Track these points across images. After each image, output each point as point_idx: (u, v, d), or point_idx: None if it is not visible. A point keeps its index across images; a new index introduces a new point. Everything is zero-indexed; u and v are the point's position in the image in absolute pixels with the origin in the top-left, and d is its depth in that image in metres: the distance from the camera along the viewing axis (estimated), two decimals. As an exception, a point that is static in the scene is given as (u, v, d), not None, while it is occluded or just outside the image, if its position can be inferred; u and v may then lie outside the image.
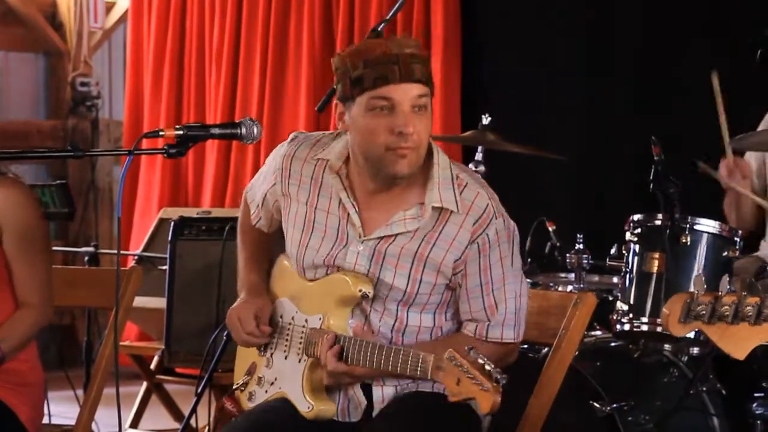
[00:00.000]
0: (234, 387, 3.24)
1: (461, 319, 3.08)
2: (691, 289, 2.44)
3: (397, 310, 3.04)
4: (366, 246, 3.02)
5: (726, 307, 2.39)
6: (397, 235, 3.01)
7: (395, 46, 2.95)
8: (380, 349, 2.92)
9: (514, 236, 3.06)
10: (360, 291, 3.00)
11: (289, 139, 3.17)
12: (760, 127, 4.37)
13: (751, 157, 4.43)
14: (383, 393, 3.05)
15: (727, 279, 2.46)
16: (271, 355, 3.17)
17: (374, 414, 3.04)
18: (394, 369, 2.90)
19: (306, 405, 3.04)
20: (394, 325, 3.04)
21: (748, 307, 2.37)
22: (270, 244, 3.32)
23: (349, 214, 3.04)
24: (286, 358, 3.13)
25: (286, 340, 3.14)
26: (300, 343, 3.09)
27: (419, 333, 3.06)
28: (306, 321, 3.10)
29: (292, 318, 3.14)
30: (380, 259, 3.01)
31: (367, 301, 3.02)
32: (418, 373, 2.85)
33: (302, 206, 3.10)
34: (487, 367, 2.72)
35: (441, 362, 2.80)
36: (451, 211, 2.99)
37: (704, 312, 2.40)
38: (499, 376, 2.71)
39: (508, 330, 3.05)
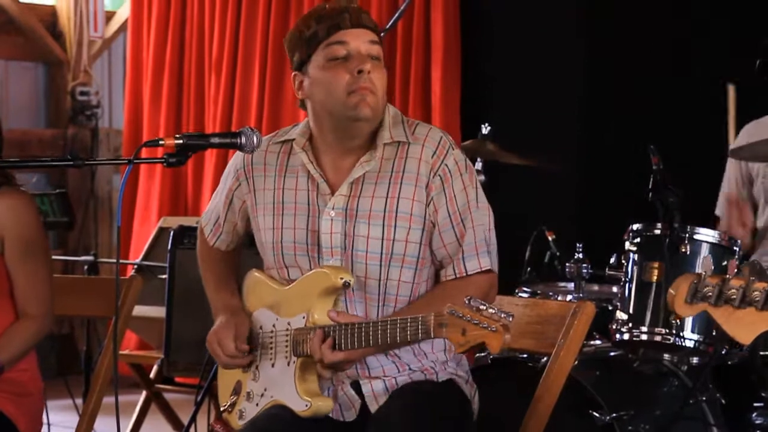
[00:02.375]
0: (221, 409, 3.23)
1: (437, 259, 3.10)
2: (699, 270, 2.42)
3: (380, 266, 3.05)
4: (337, 209, 3.06)
5: (733, 290, 2.37)
6: (362, 181, 3.05)
7: (342, 3, 3.06)
8: (374, 326, 2.92)
9: (473, 169, 3.12)
10: (341, 279, 3.01)
11: None
12: (740, 139, 4.39)
13: (732, 165, 4.46)
14: (373, 388, 3.06)
15: (735, 263, 2.45)
16: (257, 367, 3.17)
17: (371, 409, 3.04)
18: (393, 340, 2.89)
19: (303, 404, 3.03)
20: (379, 284, 3.06)
21: (756, 292, 2.36)
22: (233, 263, 3.34)
23: (318, 184, 3.08)
24: (273, 365, 3.12)
25: (270, 348, 3.13)
26: (286, 346, 3.09)
27: (399, 290, 3.07)
28: (289, 324, 3.10)
29: (273, 326, 3.14)
30: (353, 217, 3.05)
31: (348, 290, 3.04)
32: (420, 335, 2.85)
33: (270, 193, 3.14)
34: (491, 310, 2.72)
35: (442, 319, 2.79)
36: (408, 145, 3.06)
37: (711, 293, 2.38)
38: (503, 315, 2.70)
39: (484, 257, 3.08)
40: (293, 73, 3.14)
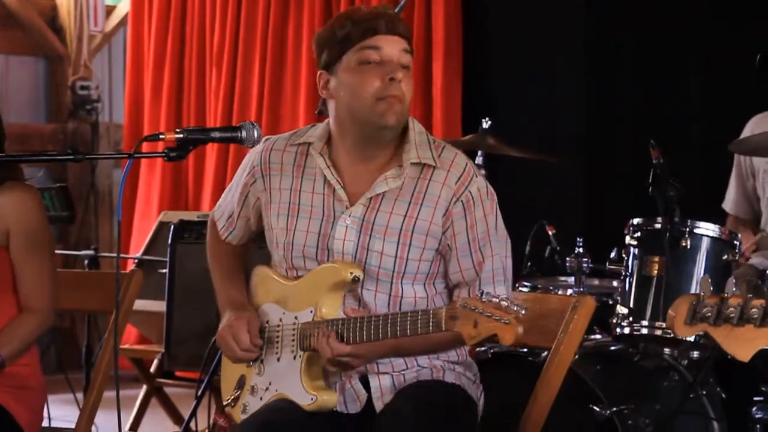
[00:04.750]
0: (225, 403, 3.23)
1: (451, 282, 3.11)
2: (697, 291, 2.45)
3: (391, 283, 3.05)
4: (354, 218, 3.05)
5: (732, 308, 2.40)
6: (382, 197, 3.04)
7: (379, 7, 3.10)
8: (384, 319, 2.91)
9: (494, 197, 3.11)
10: (351, 274, 3.00)
11: (262, 140, 3.17)
12: (744, 132, 4.39)
13: (736, 159, 4.46)
14: (381, 383, 3.06)
15: (733, 281, 2.47)
16: (261, 362, 3.16)
17: (376, 407, 3.04)
18: (403, 332, 2.88)
19: (308, 397, 3.03)
20: (389, 300, 3.05)
21: (754, 309, 2.38)
22: (243, 257, 3.32)
23: (334, 189, 3.07)
24: (278, 359, 3.12)
25: (277, 342, 3.13)
26: (292, 341, 3.09)
27: (415, 303, 3.07)
28: (296, 318, 3.09)
29: (280, 320, 3.13)
30: (369, 229, 3.04)
31: (357, 285, 3.03)
32: (430, 328, 2.84)
33: (285, 193, 3.13)
34: (504, 303, 2.71)
35: (454, 311, 2.79)
36: (433, 169, 3.05)
37: (710, 314, 2.41)
38: (517, 308, 2.70)
39: (500, 286, 3.08)
40: (319, 72, 3.11)
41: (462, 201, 3.04)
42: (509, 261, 3.12)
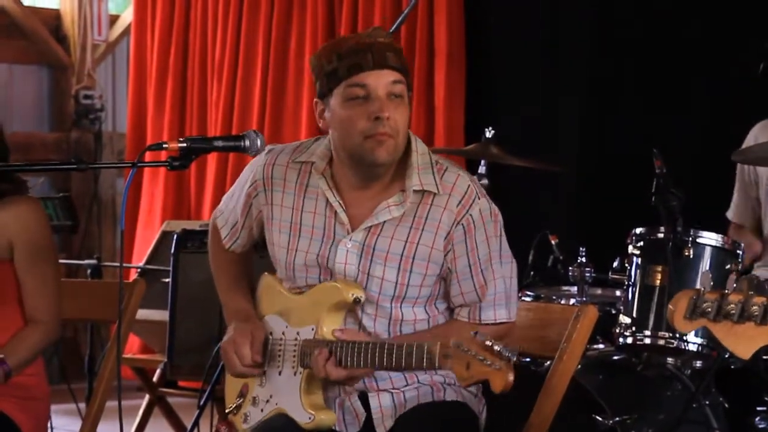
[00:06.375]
0: (227, 411, 3.23)
1: (453, 304, 3.10)
2: (698, 286, 2.44)
3: (391, 307, 3.04)
4: (355, 242, 3.03)
5: (732, 305, 2.39)
6: (383, 223, 3.02)
7: (367, 37, 3.02)
8: (381, 347, 2.91)
9: (498, 218, 3.07)
10: (353, 296, 3.00)
11: (265, 151, 3.14)
12: (747, 141, 4.39)
13: (739, 168, 4.47)
14: (381, 403, 3.05)
15: (734, 278, 2.47)
16: (264, 373, 3.15)
17: (375, 426, 3.04)
18: (398, 365, 2.88)
19: (306, 416, 3.03)
20: (390, 323, 3.04)
21: (755, 307, 2.38)
22: (247, 264, 3.31)
23: (336, 212, 3.05)
24: (280, 373, 3.12)
25: (279, 356, 3.12)
26: (293, 356, 3.08)
27: (416, 325, 3.06)
28: (298, 334, 3.09)
29: (283, 333, 3.13)
30: (370, 254, 3.03)
31: (358, 307, 3.03)
32: (424, 364, 2.84)
33: (287, 211, 3.11)
34: (496, 347, 2.71)
35: (448, 350, 2.78)
36: (434, 195, 3.02)
37: (710, 309, 2.40)
38: (509, 354, 2.69)
39: (500, 309, 3.07)
40: (315, 100, 3.08)
41: (463, 224, 3.02)
42: (514, 282, 3.10)
